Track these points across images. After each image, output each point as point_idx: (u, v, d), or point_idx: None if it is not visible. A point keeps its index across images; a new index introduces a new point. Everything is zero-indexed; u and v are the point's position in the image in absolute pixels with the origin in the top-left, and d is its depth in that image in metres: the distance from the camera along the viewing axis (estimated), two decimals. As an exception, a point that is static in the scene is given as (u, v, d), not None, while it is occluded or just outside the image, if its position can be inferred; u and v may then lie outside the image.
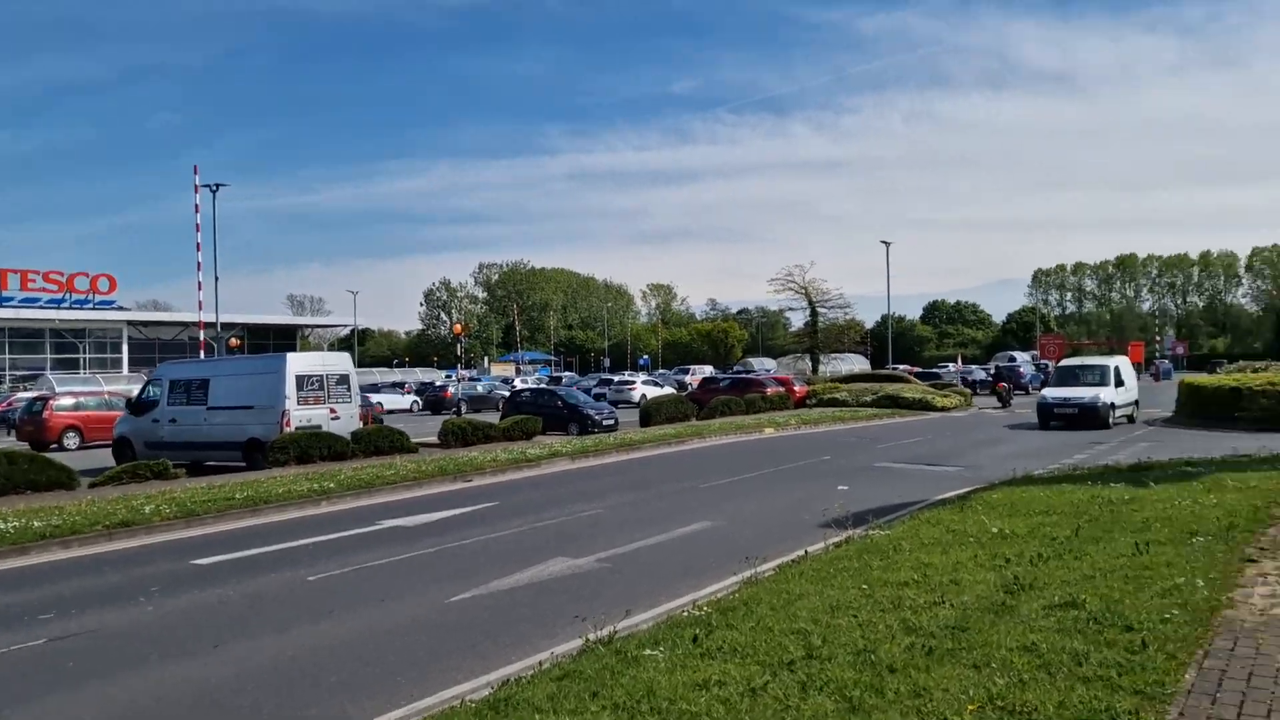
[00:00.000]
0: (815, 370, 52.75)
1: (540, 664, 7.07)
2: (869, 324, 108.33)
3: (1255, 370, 36.51)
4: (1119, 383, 30.97)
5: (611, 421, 32.35)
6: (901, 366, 70.08)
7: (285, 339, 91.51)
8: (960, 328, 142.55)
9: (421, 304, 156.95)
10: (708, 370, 72.13)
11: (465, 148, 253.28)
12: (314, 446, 22.39)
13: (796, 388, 44.72)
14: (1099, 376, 30.93)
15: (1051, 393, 31.35)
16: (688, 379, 62.87)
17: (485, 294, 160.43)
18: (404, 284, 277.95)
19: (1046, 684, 5.56)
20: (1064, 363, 37.96)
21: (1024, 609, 7.22)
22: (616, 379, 59.61)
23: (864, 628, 6.99)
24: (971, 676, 5.75)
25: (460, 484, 18.98)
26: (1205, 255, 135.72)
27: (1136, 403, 32.58)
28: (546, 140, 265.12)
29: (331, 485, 17.34)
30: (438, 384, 59.34)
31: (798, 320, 60.72)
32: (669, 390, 48.30)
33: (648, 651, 6.77)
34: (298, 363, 24.46)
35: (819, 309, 53.33)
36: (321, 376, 24.63)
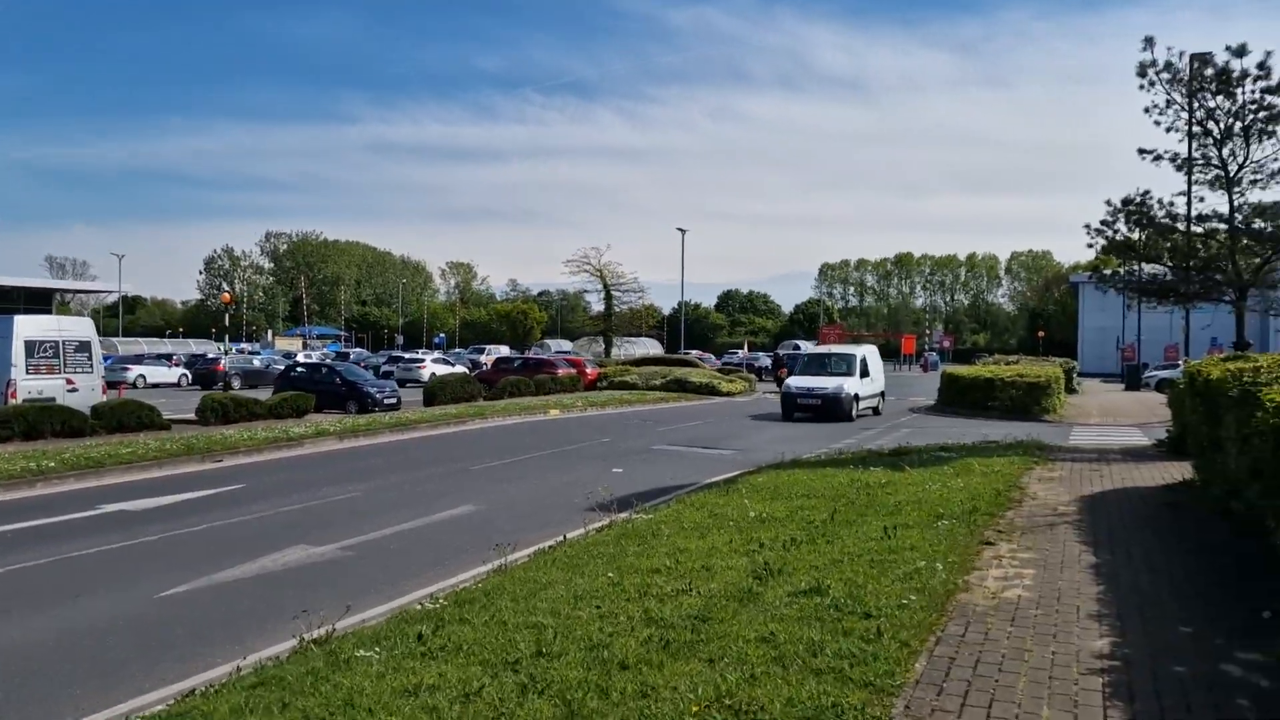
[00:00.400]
0: (608, 353, 52.88)
1: (239, 669, 6.23)
2: (666, 310, 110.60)
3: (1007, 363, 39.41)
4: (864, 373, 30.19)
5: (394, 400, 30.97)
6: (694, 352, 71.78)
7: (38, 303, 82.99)
8: (752, 317, 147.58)
9: (201, 272, 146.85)
10: (504, 350, 71.05)
11: (256, 109, 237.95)
12: (44, 421, 20.02)
13: (588, 370, 44.57)
14: (846, 366, 30.01)
15: (796, 382, 29.72)
16: (482, 359, 61.58)
17: (272, 264, 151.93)
18: (183, 251, 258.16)
19: (779, 678, 5.28)
20: (813, 350, 37.63)
21: (769, 596, 7.01)
22: (407, 356, 57.54)
23: (604, 619, 6.56)
24: (704, 672, 5.40)
25: (209, 464, 17.41)
26: (971, 257, 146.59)
27: (882, 394, 32.42)
28: (346, 107, 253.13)
29: (52, 464, 15.43)
30: (210, 356, 55.38)
31: (597, 304, 60.59)
32: (460, 369, 47.06)
33: (362, 652, 6.06)
34: (28, 327, 21.89)
35: (614, 292, 53.46)
36: (57, 343, 22.16)
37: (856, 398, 29.15)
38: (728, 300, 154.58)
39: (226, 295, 60.86)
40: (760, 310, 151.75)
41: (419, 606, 7.45)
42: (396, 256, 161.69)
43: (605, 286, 53.01)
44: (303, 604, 7.94)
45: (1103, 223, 18.12)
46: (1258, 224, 17.06)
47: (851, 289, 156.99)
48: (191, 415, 24.35)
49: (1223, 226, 17.44)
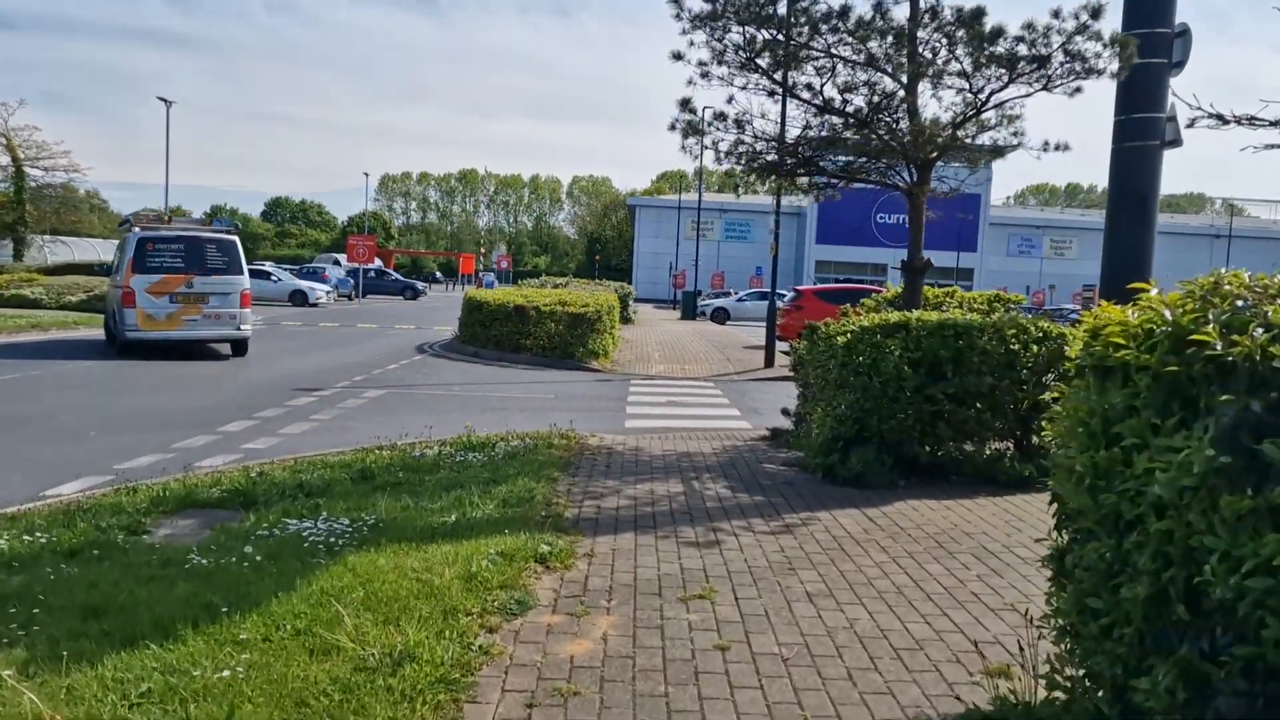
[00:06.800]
0: (19, 255, 36.82)
1: None
2: (196, 213, 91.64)
3: (555, 286, 31.29)
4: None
5: None
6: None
7: None
8: (304, 227, 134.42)
9: None
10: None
11: None
12: None
13: (-35, 278, 29.89)
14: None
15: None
16: None
17: None
18: None
19: None
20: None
21: None
22: None
23: None
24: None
25: None
26: (535, 179, 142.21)
27: None
28: None
29: None
30: None
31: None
32: None
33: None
34: None
35: (30, 170, 36.88)
36: None
37: None
38: (276, 208, 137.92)
39: None
40: (314, 221, 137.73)
41: None
42: None
43: (15, 160, 36.23)
44: None
45: (698, 19, 9.32)
46: (964, 44, 9.00)
47: (414, 204, 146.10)
48: None
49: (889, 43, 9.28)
